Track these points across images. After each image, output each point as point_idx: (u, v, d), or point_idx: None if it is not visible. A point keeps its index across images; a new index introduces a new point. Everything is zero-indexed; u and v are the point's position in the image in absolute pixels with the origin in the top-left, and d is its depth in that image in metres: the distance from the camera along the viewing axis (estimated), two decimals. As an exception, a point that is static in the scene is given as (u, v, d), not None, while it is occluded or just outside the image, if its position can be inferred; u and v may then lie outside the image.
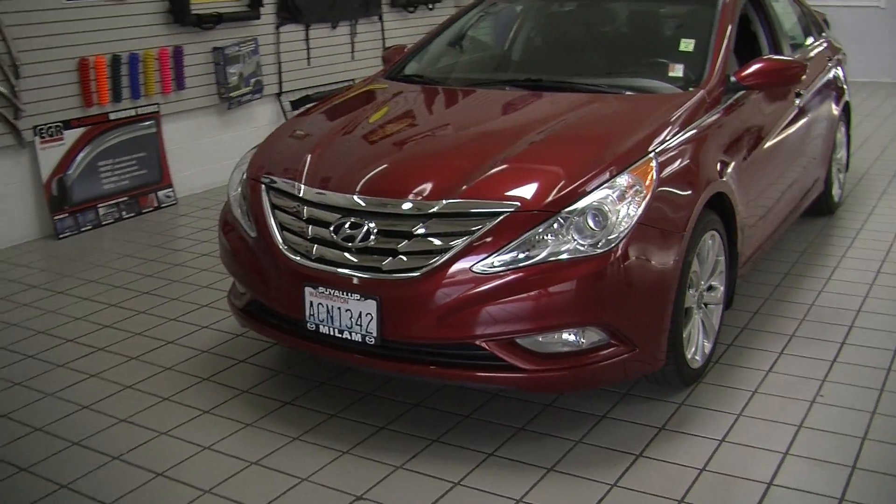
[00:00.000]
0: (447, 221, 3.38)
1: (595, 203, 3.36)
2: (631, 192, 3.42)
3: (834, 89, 5.94)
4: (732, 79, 4.25)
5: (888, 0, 11.86)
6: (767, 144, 4.53)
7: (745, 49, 4.82)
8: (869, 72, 11.74)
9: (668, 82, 4.28)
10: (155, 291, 5.18)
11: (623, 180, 3.45)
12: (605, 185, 3.42)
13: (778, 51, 5.10)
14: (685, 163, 3.71)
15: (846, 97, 6.32)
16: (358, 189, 3.57)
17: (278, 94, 7.95)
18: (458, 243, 3.31)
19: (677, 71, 4.31)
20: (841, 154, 6.38)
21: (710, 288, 3.98)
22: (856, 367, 4.08)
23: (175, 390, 4.01)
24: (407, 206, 3.45)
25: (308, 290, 3.50)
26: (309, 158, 3.87)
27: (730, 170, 4.01)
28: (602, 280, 3.30)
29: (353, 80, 8.59)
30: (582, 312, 3.31)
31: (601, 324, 3.35)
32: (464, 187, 3.44)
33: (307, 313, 3.52)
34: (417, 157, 3.85)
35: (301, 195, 3.67)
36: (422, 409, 3.79)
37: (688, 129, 3.85)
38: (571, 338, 3.38)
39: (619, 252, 3.31)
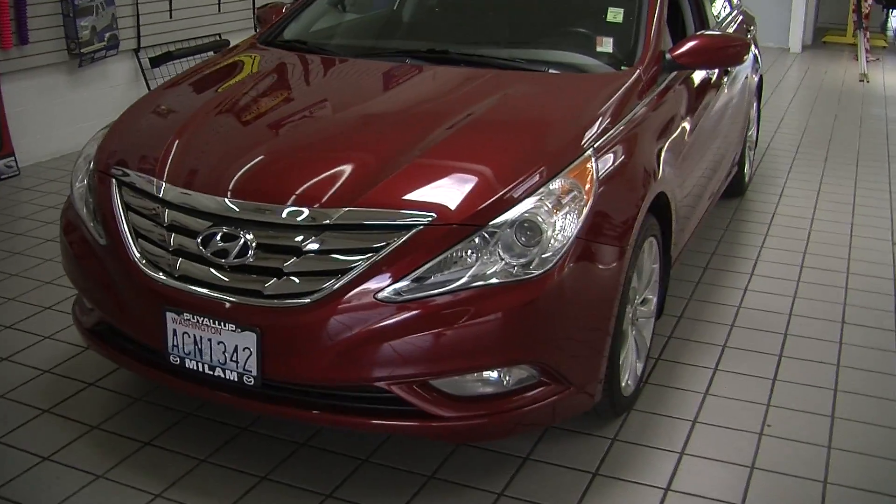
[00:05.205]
0: (346, 234, 2.72)
1: (527, 213, 2.75)
2: (568, 198, 2.84)
3: (751, 64, 5.50)
4: (668, 57, 3.70)
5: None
6: (698, 128, 4.02)
7: (670, 21, 4.26)
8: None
9: (597, 58, 3.69)
10: (-13, 289, 4.38)
11: (558, 185, 2.85)
12: (538, 190, 2.82)
13: (705, 24, 4.59)
14: (626, 160, 3.14)
15: (760, 71, 5.93)
16: (231, 189, 2.86)
17: (136, 50, 7.06)
18: (360, 263, 2.66)
19: (606, 45, 3.72)
20: (752, 131, 6.00)
21: (644, 301, 3.46)
22: (800, 387, 3.64)
23: (6, 428, 3.26)
24: (294, 214, 2.76)
25: (170, 315, 2.81)
26: (172, 147, 3.12)
27: (668, 164, 3.48)
28: (538, 309, 2.71)
29: (218, 34, 7.77)
30: (515, 349, 2.73)
31: (535, 362, 2.78)
32: (365, 191, 2.77)
33: (170, 344, 2.83)
34: (305, 150, 3.12)
35: (161, 195, 2.94)
36: (310, 451, 3.15)
37: (625, 117, 3.28)
38: (494, 376, 2.80)
39: (557, 274, 2.73)
